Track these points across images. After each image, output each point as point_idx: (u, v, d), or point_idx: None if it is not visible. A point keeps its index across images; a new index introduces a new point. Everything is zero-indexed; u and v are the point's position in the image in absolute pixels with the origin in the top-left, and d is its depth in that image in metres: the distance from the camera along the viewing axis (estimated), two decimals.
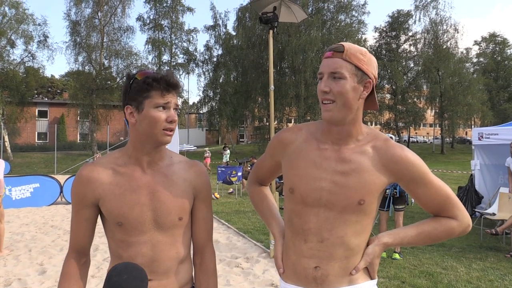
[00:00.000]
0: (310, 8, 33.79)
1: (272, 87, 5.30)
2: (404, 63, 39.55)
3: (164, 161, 1.42)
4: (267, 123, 35.48)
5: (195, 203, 1.46)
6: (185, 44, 37.99)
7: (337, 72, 1.24)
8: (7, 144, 28.84)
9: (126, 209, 1.33)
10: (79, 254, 1.41)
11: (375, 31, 41.17)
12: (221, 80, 37.10)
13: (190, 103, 50.43)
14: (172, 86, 1.31)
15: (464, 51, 42.10)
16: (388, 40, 40.74)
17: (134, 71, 1.37)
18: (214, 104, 38.25)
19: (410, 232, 1.32)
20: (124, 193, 1.34)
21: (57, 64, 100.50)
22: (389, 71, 37.22)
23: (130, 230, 1.34)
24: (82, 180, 1.36)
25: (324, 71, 1.26)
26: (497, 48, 46.93)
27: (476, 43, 48.50)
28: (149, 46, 36.51)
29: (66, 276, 1.37)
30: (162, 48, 36.68)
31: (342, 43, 1.29)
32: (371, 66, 1.28)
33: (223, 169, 12.77)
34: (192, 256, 1.51)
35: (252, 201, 1.62)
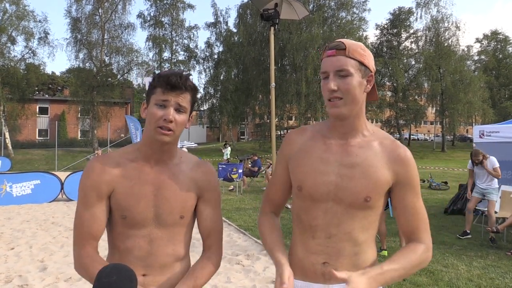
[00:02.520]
0: (311, 5, 33.74)
1: (273, 84, 5.28)
2: (405, 61, 39.53)
3: (173, 159, 1.42)
4: (268, 121, 35.46)
5: (199, 203, 1.44)
6: (185, 41, 38.11)
7: (343, 69, 1.24)
8: (8, 140, 28.85)
9: (132, 202, 1.33)
10: (92, 247, 1.33)
11: (376, 28, 41.20)
12: (221, 77, 37.10)
13: None
14: (171, 85, 1.28)
15: (465, 49, 42.10)
16: (389, 37, 40.70)
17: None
18: (215, 101, 38.30)
19: (394, 274, 1.21)
20: (133, 186, 1.34)
21: (58, 61, 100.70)
22: (390, 68, 37.18)
23: (132, 224, 1.34)
24: (96, 170, 1.34)
25: (329, 70, 1.26)
26: (499, 46, 46.79)
27: (477, 40, 48.40)
28: (150, 43, 36.62)
29: (91, 262, 1.27)
30: (163, 45, 36.74)
31: (340, 40, 1.29)
32: (371, 59, 1.32)
33: (223, 166, 12.76)
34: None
35: (260, 229, 1.47)
